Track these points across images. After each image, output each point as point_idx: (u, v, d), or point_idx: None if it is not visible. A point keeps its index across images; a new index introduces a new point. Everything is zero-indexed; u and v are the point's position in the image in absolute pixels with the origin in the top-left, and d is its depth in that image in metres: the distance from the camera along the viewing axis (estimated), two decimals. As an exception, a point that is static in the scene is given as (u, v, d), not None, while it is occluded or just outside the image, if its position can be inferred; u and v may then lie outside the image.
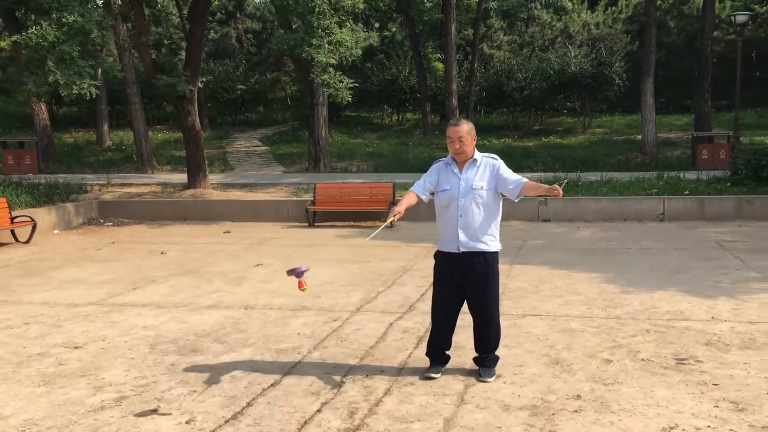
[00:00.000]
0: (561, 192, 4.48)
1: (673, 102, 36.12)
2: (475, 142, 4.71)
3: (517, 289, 7.47)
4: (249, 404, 4.36)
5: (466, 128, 4.66)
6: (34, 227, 11.78)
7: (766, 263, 8.61)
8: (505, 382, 4.64)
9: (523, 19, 40.03)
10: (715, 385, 4.52)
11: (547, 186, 4.60)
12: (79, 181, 16.67)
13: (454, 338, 5.01)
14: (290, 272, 4.70)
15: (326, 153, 21.26)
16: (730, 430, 3.83)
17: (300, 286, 4.66)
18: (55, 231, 13.11)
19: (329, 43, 14.50)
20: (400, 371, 4.92)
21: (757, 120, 30.66)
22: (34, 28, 12.02)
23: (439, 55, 33.89)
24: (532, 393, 4.45)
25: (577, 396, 4.37)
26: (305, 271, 4.68)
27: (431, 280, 4.94)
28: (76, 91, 12.15)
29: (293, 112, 37.14)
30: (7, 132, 26.74)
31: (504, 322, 5.57)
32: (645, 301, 6.83)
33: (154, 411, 4.25)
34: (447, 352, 4.92)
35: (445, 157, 4.90)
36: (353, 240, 11.58)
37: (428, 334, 5.06)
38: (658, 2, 30.04)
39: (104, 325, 6.36)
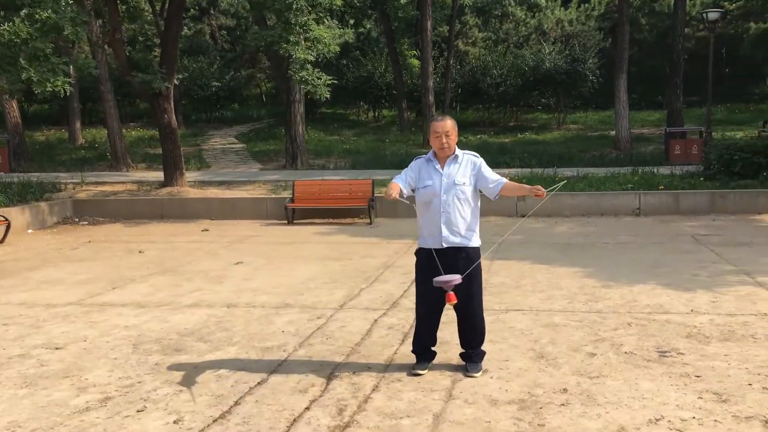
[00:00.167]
0: (544, 192, 4.53)
1: (646, 98, 36.59)
2: (456, 139, 4.75)
3: (499, 284, 7.51)
4: (237, 403, 4.33)
5: (450, 123, 4.70)
6: (8, 227, 11.59)
7: (741, 256, 8.76)
8: (492, 377, 4.67)
9: (498, 16, 40.20)
10: (698, 377, 4.59)
11: (529, 186, 4.65)
12: (53, 180, 16.43)
13: (439, 334, 5.03)
14: (440, 283, 4.43)
15: (303, 150, 21.19)
16: (715, 421, 3.89)
17: (450, 299, 4.43)
18: (30, 231, 12.91)
19: (307, 39, 14.43)
20: (387, 368, 4.93)
21: (727, 115, 31.16)
22: (6, 24, 11.79)
23: (414, 51, 33.91)
24: (519, 387, 4.48)
25: (564, 390, 4.41)
26: (457, 281, 4.41)
27: (413, 276, 4.96)
28: (50, 89, 11.94)
29: (269, 109, 36.96)
30: (-24, 130, 26.26)
31: (488, 318, 5.59)
32: (625, 294, 6.91)
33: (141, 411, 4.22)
34: (433, 348, 4.94)
35: (423, 154, 4.94)
36: (333, 237, 11.57)
37: (413, 330, 5.07)
38: (631, -1, 30.37)
39: (85, 325, 6.28)
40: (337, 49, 15.48)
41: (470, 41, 38.25)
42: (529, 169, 17.01)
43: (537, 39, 36.88)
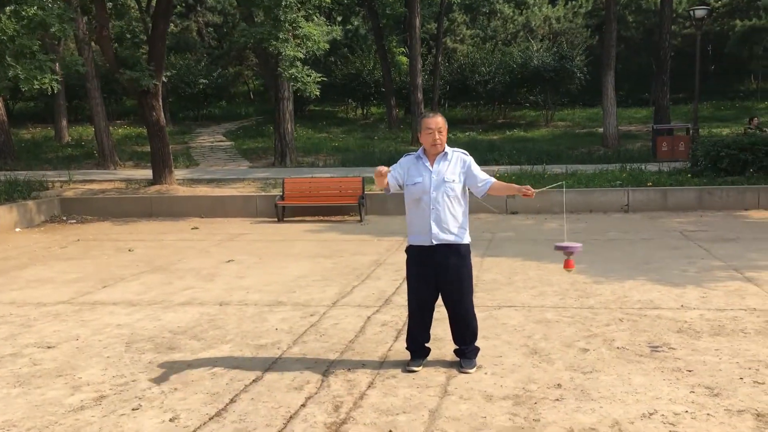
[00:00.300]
0: (533, 192, 4.56)
1: (632, 95, 36.83)
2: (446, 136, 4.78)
3: (491, 281, 7.54)
4: (232, 401, 4.33)
5: (442, 120, 4.73)
6: (-5, 226, 11.51)
7: (729, 252, 8.84)
8: (486, 373, 4.70)
9: (486, 14, 40.30)
10: (690, 371, 4.63)
11: (517, 186, 4.69)
12: (40, 178, 16.32)
13: (433, 331, 5.05)
14: (560, 247, 4.59)
15: (292, 148, 21.16)
16: (708, 414, 3.93)
17: (568, 265, 4.55)
18: (17, 229, 12.82)
19: (296, 36, 14.40)
20: (382, 364, 4.94)
21: (713, 112, 31.41)
22: (-8, 21, 11.73)
23: (403, 49, 33.94)
24: (514, 383, 4.51)
25: (558, 385, 4.44)
26: (579, 250, 4.55)
27: (405, 273, 4.97)
28: (37, 86, 11.87)
29: (256, 107, 36.89)
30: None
31: (480, 314, 5.64)
32: (616, 290, 6.96)
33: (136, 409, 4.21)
34: (427, 345, 4.96)
35: (413, 151, 4.96)
36: (324, 234, 11.56)
37: (406, 327, 5.08)
38: (618, -3, 30.51)
39: (76, 324, 6.25)
40: (327, 46, 15.47)
41: (458, 38, 38.32)
42: (519, 167, 17.06)
43: (525, 36, 37.00)
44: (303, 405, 4.24)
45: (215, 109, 35.18)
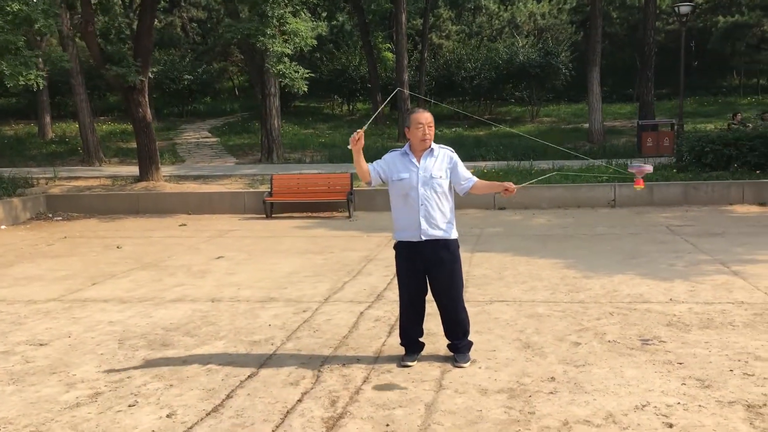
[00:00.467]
0: (515, 188, 4.60)
1: (617, 91, 37.09)
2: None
3: (482, 276, 7.59)
4: (229, 396, 4.34)
5: (430, 115, 4.77)
6: (-19, 223, 11.41)
7: (715, 246, 8.95)
8: (480, 367, 4.74)
9: (471, 9, 40.38)
10: (680, 363, 4.70)
11: (498, 183, 4.74)
12: (25, 175, 16.18)
13: (426, 326, 5.08)
14: (635, 168, 4.75)
15: (279, 144, 21.13)
16: (699, 406, 3.99)
17: (638, 183, 4.73)
18: (2, 227, 12.72)
19: (284, 33, 14.37)
20: (376, 359, 4.97)
21: (696, 108, 31.69)
22: (-24, 17, 11.59)
23: (388, 45, 33.94)
24: (508, 376, 4.55)
25: (551, 378, 4.49)
26: (648, 170, 4.75)
27: (395, 269, 4.99)
28: (23, 83, 11.76)
29: (242, 103, 36.76)
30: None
31: (472, 309, 5.68)
32: (606, 284, 7.03)
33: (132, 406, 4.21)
34: (420, 340, 4.99)
35: (399, 147, 4.99)
36: (313, 231, 11.57)
37: (399, 323, 5.11)
38: (602, -7, 30.64)
39: (68, 321, 6.23)
40: (315, 42, 15.43)
41: (444, 34, 38.38)
42: (505, 162, 17.15)
43: (510, 32, 37.14)
44: (299, 400, 4.26)
45: (200, 105, 35.02)
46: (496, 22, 39.59)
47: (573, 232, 10.56)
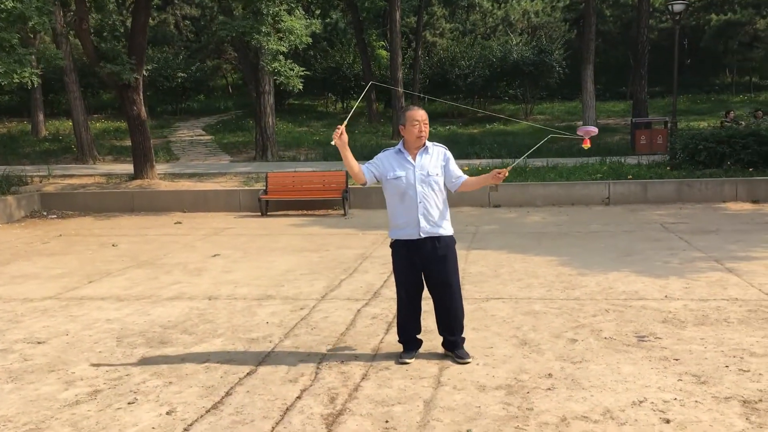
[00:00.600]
0: (505, 171, 4.64)
1: (610, 89, 37.19)
2: None
3: (478, 273, 7.62)
4: (228, 393, 4.36)
5: (425, 113, 4.80)
6: (-25, 221, 11.37)
7: (709, 243, 9.00)
8: (478, 364, 4.76)
9: (465, 7, 40.40)
10: (676, 360, 4.74)
11: (486, 175, 4.78)
12: (19, 173, 16.12)
13: (424, 323, 5.12)
14: (581, 130, 4.84)
15: (274, 142, 21.11)
16: (696, 402, 4.03)
17: (586, 143, 4.82)
18: (-3, 225, 12.69)
19: (278, 30, 14.36)
20: (374, 357, 4.99)
21: (689, 106, 31.83)
22: (-31, 14, 11.54)
23: (382, 42, 33.94)
24: (506, 373, 4.58)
25: (549, 375, 4.52)
26: (594, 131, 4.86)
27: (391, 266, 5.01)
28: (17, 80, 11.72)
29: (235, 101, 36.70)
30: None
31: (469, 306, 5.72)
32: (601, 282, 7.07)
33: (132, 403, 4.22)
34: (418, 337, 5.01)
35: (393, 145, 5.01)
36: (308, 228, 11.58)
37: (396, 321, 5.13)
38: (596, -9, 30.72)
39: (65, 319, 6.23)
40: (309, 40, 15.43)
41: (438, 32, 38.40)
42: (500, 160, 17.18)
43: (504, 30, 37.19)
44: (299, 397, 4.28)
45: (194, 102, 34.93)
46: (490, 19, 39.65)
47: (568, 229, 10.60)
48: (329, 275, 7.78)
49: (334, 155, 20.49)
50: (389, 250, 4.97)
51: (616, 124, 27.57)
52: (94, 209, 14.14)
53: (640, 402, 4.04)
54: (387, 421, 3.88)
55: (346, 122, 4.81)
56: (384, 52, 33.39)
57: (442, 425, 3.82)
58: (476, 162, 16.75)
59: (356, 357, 4.99)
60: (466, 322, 5.01)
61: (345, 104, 34.71)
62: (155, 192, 14.57)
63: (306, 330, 5.69)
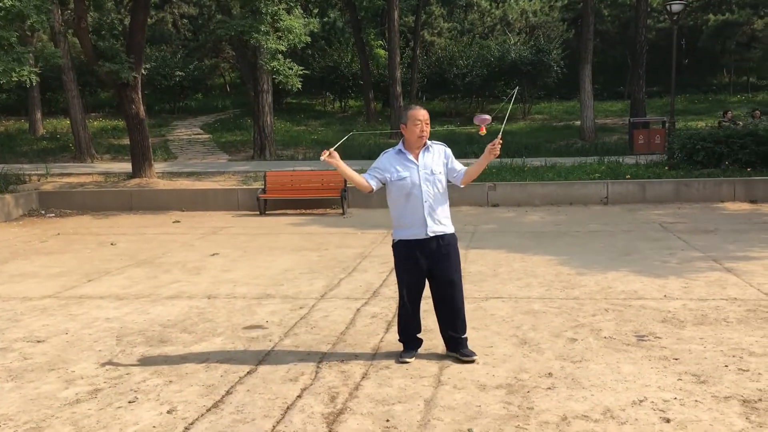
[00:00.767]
0: (498, 140, 4.68)
1: (608, 88, 37.22)
2: None
3: (477, 272, 7.63)
4: (228, 392, 4.36)
5: (426, 112, 4.80)
6: (-27, 220, 11.35)
7: (708, 243, 9.02)
8: (478, 363, 4.77)
9: (463, 6, 40.42)
10: (676, 359, 4.75)
11: (482, 156, 4.77)
12: (17, 172, 16.10)
13: (424, 322, 5.12)
14: (477, 119, 4.86)
15: (272, 141, 21.11)
16: (696, 401, 4.04)
17: (482, 130, 4.79)
18: (-5, 223, 12.67)
19: (277, 29, 14.35)
20: (374, 356, 5.00)
21: (687, 106, 31.85)
22: (-32, 12, 11.51)
23: (380, 42, 33.93)
24: (506, 372, 4.59)
25: (549, 374, 4.53)
26: (488, 120, 4.85)
27: (391, 266, 5.04)
28: (15, 79, 11.70)
29: (233, 99, 36.66)
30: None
31: (469, 305, 5.71)
32: (600, 281, 7.08)
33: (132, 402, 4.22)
34: (418, 336, 5.02)
35: (392, 144, 5.01)
36: (307, 228, 11.58)
37: (396, 319, 5.13)
38: (594, -9, 30.75)
39: (64, 318, 6.22)
40: (308, 39, 15.43)
41: (436, 31, 38.40)
42: (498, 159, 17.17)
43: (502, 29, 37.20)
44: (299, 396, 4.28)
45: (192, 101, 34.89)
46: (488, 19, 39.66)
47: (566, 229, 10.61)
48: (328, 274, 7.78)
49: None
50: (388, 249, 4.98)
51: (614, 124, 27.60)
52: (92, 208, 14.13)
53: (641, 401, 4.05)
54: (388, 420, 3.89)
55: (336, 147, 4.81)
56: (382, 52, 33.39)
57: (442, 424, 3.82)
58: (474, 162, 16.73)
59: (356, 356, 4.99)
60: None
61: (343, 103, 34.69)
62: (154, 191, 14.56)
63: (306, 329, 5.69)
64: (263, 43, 13.99)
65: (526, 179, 14.30)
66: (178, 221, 12.60)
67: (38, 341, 5.54)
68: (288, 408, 4.10)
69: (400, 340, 5.00)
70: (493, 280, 7.25)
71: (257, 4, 13.47)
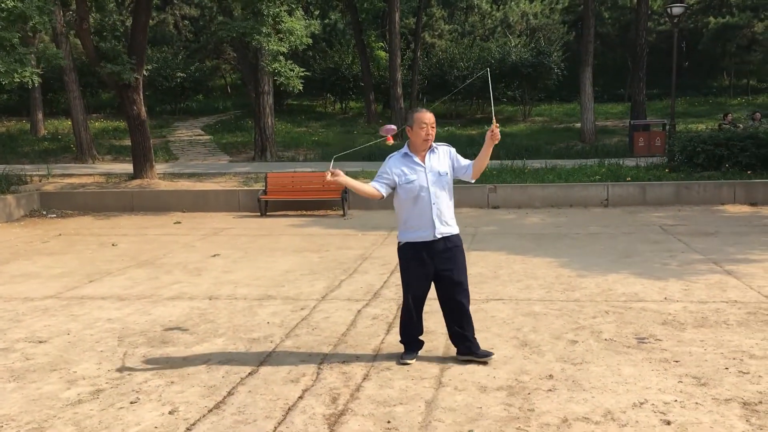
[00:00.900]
0: (496, 125, 4.70)
1: (608, 91, 37.26)
2: None
3: (477, 274, 7.64)
4: (230, 393, 4.37)
5: (433, 115, 4.81)
6: (-26, 220, 11.37)
7: (708, 246, 9.04)
8: (479, 365, 4.78)
9: (463, 9, 40.46)
10: (677, 361, 4.76)
11: (484, 146, 4.79)
12: (18, 172, 16.13)
13: (424, 324, 5.12)
14: (383, 131, 4.89)
15: (273, 142, 21.12)
16: (696, 403, 4.05)
17: (389, 140, 4.85)
18: (-4, 224, 12.68)
19: (279, 31, 14.37)
20: (375, 357, 5.01)
21: (687, 108, 31.88)
22: (-30, 13, 11.53)
23: (381, 43, 33.97)
24: (506, 374, 4.60)
25: (550, 376, 4.54)
26: (393, 130, 4.90)
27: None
28: (18, 80, 11.72)
29: (234, 101, 36.71)
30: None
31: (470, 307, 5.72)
32: (600, 283, 7.09)
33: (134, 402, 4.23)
34: (420, 338, 5.03)
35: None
36: (308, 229, 11.60)
37: (397, 321, 5.14)
38: (595, -7, 30.77)
39: (66, 318, 6.24)
40: (309, 41, 15.45)
41: (437, 33, 38.46)
42: (498, 161, 17.21)
43: (503, 32, 37.23)
44: (300, 397, 4.29)
45: (193, 102, 34.92)
46: (489, 21, 39.70)
47: (567, 231, 10.63)
48: (329, 276, 7.79)
49: (333, 156, 20.52)
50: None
51: (614, 126, 27.62)
52: (93, 209, 14.15)
53: (641, 403, 4.07)
54: (389, 422, 3.90)
55: (331, 164, 4.85)
56: (383, 53, 33.42)
57: (443, 426, 3.84)
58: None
59: (357, 357, 5.00)
60: (466, 323, 5.03)
61: (344, 105, 34.72)
62: (155, 192, 14.58)
63: (307, 330, 5.71)
64: (265, 44, 14.01)
65: (527, 181, 14.32)
66: (179, 222, 12.62)
67: (40, 342, 5.55)
68: (289, 409, 4.11)
69: (401, 341, 5.01)
70: (494, 282, 7.27)
71: (259, 6, 13.50)
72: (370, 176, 15.71)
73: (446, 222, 4.76)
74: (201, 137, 26.34)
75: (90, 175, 17.18)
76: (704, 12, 38.61)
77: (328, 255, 9.07)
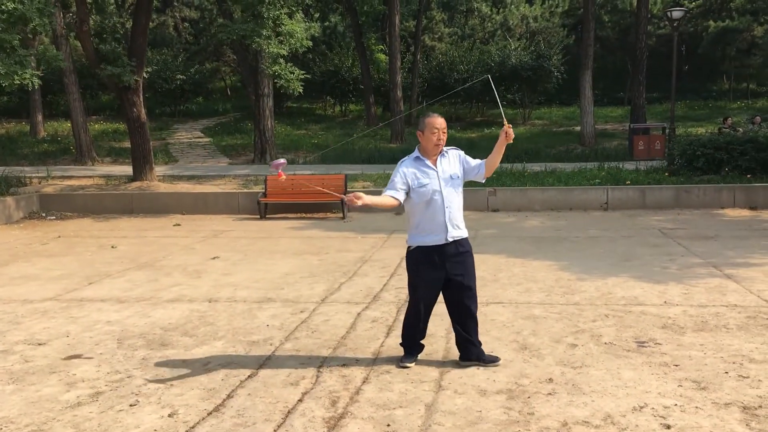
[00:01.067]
0: (508, 126, 4.67)
1: (608, 94, 37.31)
2: None
3: (477, 277, 7.42)
4: (229, 396, 4.37)
5: (444, 120, 4.80)
6: (-26, 222, 11.36)
7: (708, 249, 9.03)
8: (478, 368, 4.78)
9: (463, 12, 40.51)
10: (676, 365, 4.76)
11: (496, 145, 4.76)
12: (17, 174, 16.12)
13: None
14: (272, 165, 4.86)
15: (272, 144, 21.13)
16: (696, 407, 4.05)
17: (279, 176, 4.80)
18: (-5, 226, 12.67)
19: (279, 34, 14.38)
20: (375, 360, 5.01)
21: (687, 112, 31.91)
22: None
23: (381, 46, 34.00)
24: (506, 378, 4.60)
25: (549, 380, 4.54)
26: (283, 163, 4.85)
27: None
28: (18, 82, 11.72)
29: (234, 103, 36.73)
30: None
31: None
32: (600, 287, 7.09)
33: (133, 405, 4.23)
34: (421, 341, 5.02)
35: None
36: (307, 231, 11.59)
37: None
38: (595, -3, 30.80)
39: (65, 320, 6.23)
40: (310, 44, 15.46)
41: (436, 36, 38.49)
42: (498, 164, 17.21)
43: (502, 35, 37.26)
44: (300, 400, 4.29)
45: (192, 105, 34.95)
46: (489, 24, 39.74)
47: (566, 234, 10.63)
48: (329, 278, 7.79)
49: (333, 158, 20.55)
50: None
51: (614, 130, 27.64)
52: (93, 211, 14.14)
53: (641, 407, 4.06)
54: (388, 425, 3.90)
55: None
56: (383, 56, 33.44)
57: (443, 429, 3.83)
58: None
59: (357, 360, 5.00)
60: (465, 326, 5.03)
61: (343, 108, 34.74)
62: (154, 194, 14.57)
63: (306, 333, 5.70)
64: (265, 47, 14.02)
65: (527, 184, 14.33)
66: (179, 224, 12.61)
67: (39, 344, 5.54)
68: (289, 412, 4.11)
69: (401, 344, 5.00)
70: (493, 285, 7.26)
71: (259, 9, 13.50)
72: (369, 178, 15.74)
73: (457, 225, 4.76)
74: (201, 139, 26.36)
75: (89, 177, 17.18)
76: (704, 16, 38.66)
77: (327, 258, 9.07)
